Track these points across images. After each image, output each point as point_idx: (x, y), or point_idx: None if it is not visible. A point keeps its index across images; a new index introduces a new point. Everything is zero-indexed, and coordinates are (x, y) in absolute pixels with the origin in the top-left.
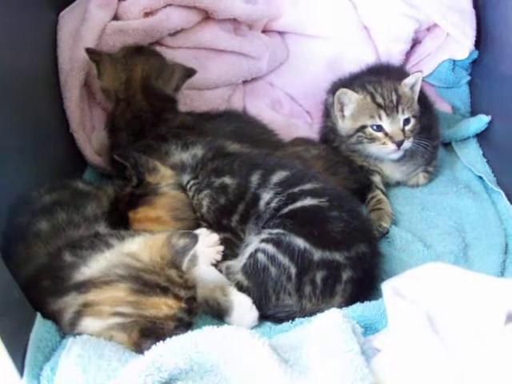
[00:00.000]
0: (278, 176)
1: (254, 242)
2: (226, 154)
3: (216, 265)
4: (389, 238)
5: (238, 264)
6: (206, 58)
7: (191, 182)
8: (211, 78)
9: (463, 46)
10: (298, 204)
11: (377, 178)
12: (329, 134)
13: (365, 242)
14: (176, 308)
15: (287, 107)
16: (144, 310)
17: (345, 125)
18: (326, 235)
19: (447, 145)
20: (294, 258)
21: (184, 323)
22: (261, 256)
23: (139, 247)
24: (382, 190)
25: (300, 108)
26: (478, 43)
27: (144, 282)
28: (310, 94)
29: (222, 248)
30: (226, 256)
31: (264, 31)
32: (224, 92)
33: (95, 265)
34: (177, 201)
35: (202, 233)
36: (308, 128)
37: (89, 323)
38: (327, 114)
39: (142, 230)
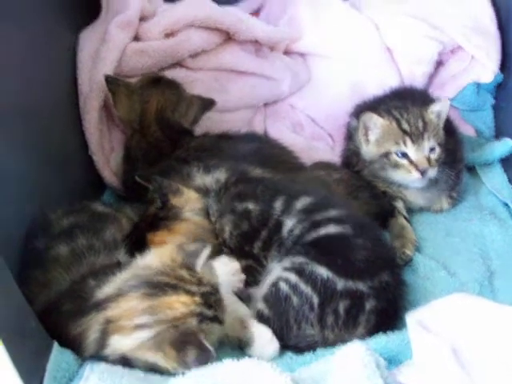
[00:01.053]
0: (302, 202)
1: (276, 270)
2: (249, 178)
3: (237, 292)
4: (412, 265)
5: (259, 292)
6: (227, 79)
7: (214, 207)
8: (232, 100)
9: (488, 69)
10: (322, 231)
11: (400, 204)
12: (351, 158)
13: (388, 271)
14: (191, 304)
15: (308, 130)
16: (160, 314)
17: (369, 150)
18: (350, 264)
19: (471, 169)
20: (316, 288)
21: (206, 317)
22: (283, 285)
23: (151, 257)
24: (405, 217)
25: (321, 131)
26: (503, 66)
27: (154, 285)
28: (332, 117)
29: (244, 277)
30: (247, 283)
31: (285, 53)
32: (245, 114)
33: (113, 284)
34: (198, 228)
35: (224, 261)
36: (330, 151)
37: (116, 341)
38: (350, 137)
39: None
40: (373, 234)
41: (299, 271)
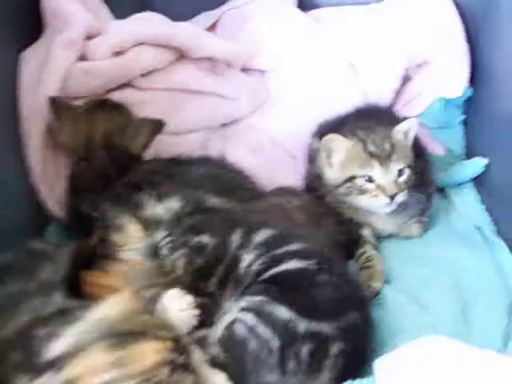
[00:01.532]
0: (262, 235)
1: (233, 311)
2: (204, 209)
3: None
4: (380, 299)
5: (214, 335)
6: (181, 100)
7: (166, 240)
8: (186, 122)
9: (456, 84)
10: (283, 267)
11: (367, 232)
12: (314, 182)
13: (356, 311)
14: (162, 350)
15: (270, 151)
16: (130, 366)
17: (332, 174)
18: (314, 303)
19: (441, 190)
20: (276, 330)
21: (178, 366)
22: (239, 327)
23: (106, 307)
24: (372, 245)
25: (283, 152)
26: (473, 80)
27: (119, 334)
28: (295, 137)
29: (197, 311)
30: (201, 324)
31: (243, 70)
32: (200, 137)
33: (67, 337)
34: (137, 270)
35: (174, 294)
36: (292, 174)
37: None
38: (312, 159)
39: (91, 293)
40: (339, 270)
41: (257, 312)
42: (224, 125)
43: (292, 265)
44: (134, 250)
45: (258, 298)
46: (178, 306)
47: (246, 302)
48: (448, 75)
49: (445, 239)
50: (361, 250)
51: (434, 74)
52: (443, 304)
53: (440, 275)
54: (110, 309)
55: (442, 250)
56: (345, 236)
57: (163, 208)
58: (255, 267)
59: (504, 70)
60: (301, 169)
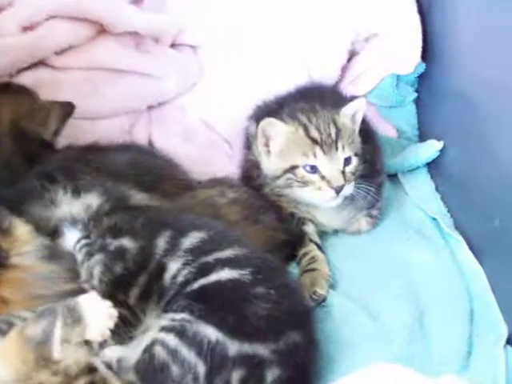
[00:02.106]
0: (191, 239)
1: (152, 330)
2: (127, 207)
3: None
4: (326, 307)
5: (130, 358)
6: (102, 80)
7: (81, 243)
8: (108, 105)
9: (408, 59)
10: (212, 278)
11: (310, 228)
12: (251, 171)
13: (298, 329)
14: None
15: (203, 136)
16: None
17: (270, 163)
18: (247, 321)
19: (392, 176)
20: (202, 353)
21: None
22: (159, 350)
23: None
24: (316, 244)
25: (218, 137)
26: (425, 54)
27: None
28: (230, 120)
29: (115, 313)
30: (120, 338)
31: (173, 45)
32: (124, 121)
33: None
34: (30, 275)
35: (92, 297)
36: (227, 161)
37: None
38: (249, 145)
39: None
40: (278, 280)
41: (180, 332)
42: (151, 107)
43: (223, 275)
44: (24, 254)
45: (180, 316)
46: (95, 309)
47: (167, 320)
48: (399, 49)
49: (397, 234)
50: (304, 250)
51: (383, 48)
52: (397, 312)
53: (393, 277)
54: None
55: (395, 247)
56: (286, 235)
57: (80, 205)
58: (181, 278)
59: (458, 43)
60: (237, 156)
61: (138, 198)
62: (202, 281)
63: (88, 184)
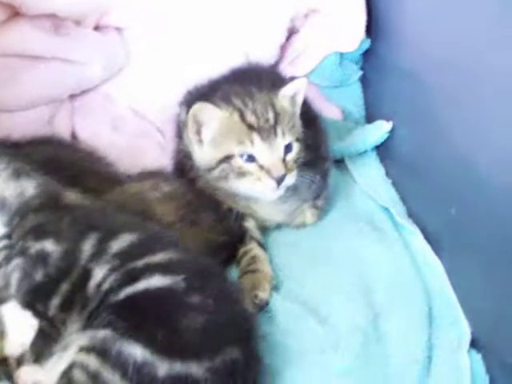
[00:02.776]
0: (121, 242)
1: (72, 348)
2: (57, 206)
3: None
4: (269, 312)
5: (48, 382)
6: (18, 67)
7: (1, 244)
8: (25, 95)
9: (351, 35)
10: (140, 285)
11: (250, 224)
12: (184, 162)
13: (237, 344)
14: None
15: (132, 125)
16: None
17: (203, 153)
18: (179, 336)
19: (339, 162)
20: (127, 376)
21: None
22: (78, 375)
23: None
24: (257, 241)
25: (149, 125)
26: (370, 30)
27: None
28: (162, 107)
29: (35, 323)
30: (39, 353)
31: (96, 28)
32: (44, 112)
33: None
34: None
35: (11, 307)
36: (161, 152)
37: None
38: (180, 134)
39: None
40: (217, 288)
41: (102, 352)
42: (73, 96)
43: (152, 282)
44: None
45: (102, 333)
46: (14, 322)
47: (87, 338)
48: (341, 25)
49: (346, 226)
50: (244, 249)
51: (324, 24)
52: (348, 314)
53: (343, 275)
54: None
55: (344, 241)
56: (226, 234)
57: (15, 188)
58: (106, 285)
59: (404, 17)
60: (170, 146)
61: (72, 197)
62: (129, 289)
63: (29, 170)
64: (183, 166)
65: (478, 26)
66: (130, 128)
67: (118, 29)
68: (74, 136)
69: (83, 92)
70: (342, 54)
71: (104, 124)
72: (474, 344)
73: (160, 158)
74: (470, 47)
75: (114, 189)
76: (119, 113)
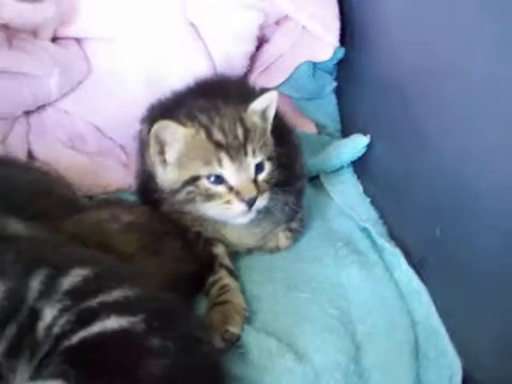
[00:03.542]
0: (72, 278)
1: None
2: (0, 237)
3: None
4: (242, 347)
5: None
6: None
7: None
8: None
9: (325, 43)
10: (95, 328)
11: (219, 250)
12: (148, 183)
13: None
14: None
15: (92, 143)
16: None
17: (167, 175)
18: None
19: (314, 179)
20: None
21: None
22: None
23: None
24: (227, 269)
25: (110, 143)
26: (344, 39)
27: None
28: (124, 123)
29: None
30: None
31: (54, 39)
32: None
33: None
34: None
35: None
36: (124, 170)
37: None
38: (144, 152)
39: None
40: (180, 328)
41: None
42: (29, 112)
43: (109, 324)
44: None
45: None
46: None
47: None
48: (314, 33)
49: (324, 249)
50: (212, 278)
51: (296, 32)
52: (328, 349)
53: (321, 303)
54: None
55: (322, 266)
56: (194, 265)
57: None
58: (57, 328)
59: (380, 25)
60: (134, 164)
61: (16, 227)
62: (82, 333)
63: None
64: (147, 187)
65: (455, 33)
66: (91, 146)
67: (77, 40)
68: (30, 156)
69: (39, 108)
70: (315, 63)
71: (62, 142)
72: (466, 382)
73: (123, 177)
74: (449, 54)
75: (71, 214)
76: (79, 130)
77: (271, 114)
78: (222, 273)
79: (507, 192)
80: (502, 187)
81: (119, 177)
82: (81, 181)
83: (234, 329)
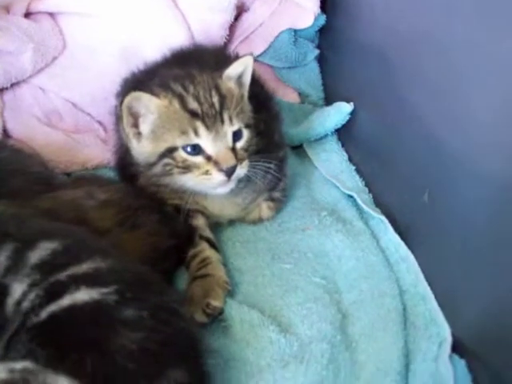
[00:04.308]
0: (40, 251)
1: None
2: None
3: None
4: (224, 321)
5: None
6: None
7: None
8: None
9: (306, 10)
10: (65, 302)
11: (199, 222)
12: (125, 157)
13: (182, 366)
14: None
15: (69, 119)
16: None
17: (142, 148)
18: (111, 361)
19: (298, 148)
20: None
21: None
22: None
23: None
24: (208, 240)
25: (88, 118)
26: (325, 5)
27: None
28: (101, 98)
29: None
30: None
31: (28, 14)
32: None
33: None
34: None
35: None
36: (101, 146)
37: None
38: (119, 127)
39: None
40: (155, 299)
41: None
42: (3, 89)
43: (79, 297)
44: None
45: (21, 365)
46: None
47: (4, 370)
48: (295, 0)
49: (308, 218)
50: (193, 251)
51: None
52: (313, 321)
53: (305, 273)
54: None
55: (306, 235)
56: (172, 238)
57: None
58: (27, 303)
59: None
60: (111, 140)
61: None
62: (52, 307)
63: None
64: (125, 161)
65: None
66: (68, 123)
67: (51, 15)
68: (6, 134)
69: (14, 85)
70: (296, 31)
71: (38, 119)
72: (456, 348)
73: (102, 153)
74: (427, 21)
75: (46, 191)
76: (55, 106)
77: (247, 79)
78: (203, 245)
79: (492, 156)
80: (486, 151)
81: (97, 153)
82: (58, 158)
83: (215, 302)
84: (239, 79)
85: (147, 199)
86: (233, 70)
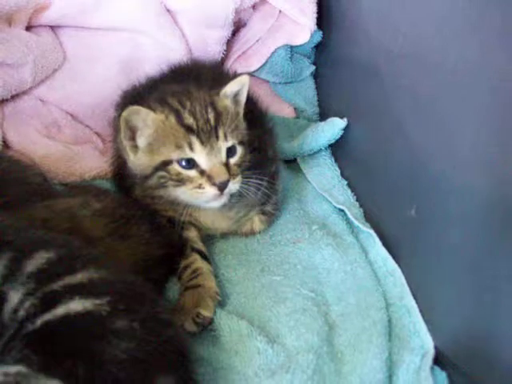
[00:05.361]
0: (36, 261)
1: None
2: None
3: None
4: (213, 331)
5: None
6: None
7: None
8: None
9: (302, 27)
10: (59, 311)
11: (192, 234)
12: (122, 169)
13: (171, 374)
14: None
15: (68, 131)
16: None
17: (138, 160)
18: (103, 369)
19: (291, 162)
20: None
21: None
22: None
23: None
24: (199, 252)
25: (87, 130)
26: (321, 22)
27: None
28: (100, 110)
29: None
30: None
31: (29, 27)
32: None
33: None
34: None
35: None
36: (99, 157)
37: None
38: (117, 139)
39: None
40: (146, 310)
41: None
42: (3, 101)
43: (72, 307)
44: None
45: (16, 369)
46: None
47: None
48: (291, 17)
49: (299, 232)
50: (185, 262)
51: (273, 16)
52: (300, 332)
53: (294, 285)
54: None
55: (296, 248)
56: (163, 248)
57: None
58: (22, 312)
59: (357, 7)
60: (110, 152)
61: None
62: (46, 316)
63: None
64: (122, 173)
65: (428, 18)
66: (66, 134)
67: (52, 28)
68: (6, 145)
69: (14, 96)
70: (292, 47)
71: (37, 130)
72: (438, 361)
73: (100, 165)
74: (430, 38)
75: (42, 201)
76: (54, 118)
77: (243, 98)
78: (194, 256)
79: (477, 172)
80: (472, 168)
81: (96, 164)
82: (56, 169)
83: (205, 312)
84: (235, 97)
85: (140, 210)
86: (229, 89)
